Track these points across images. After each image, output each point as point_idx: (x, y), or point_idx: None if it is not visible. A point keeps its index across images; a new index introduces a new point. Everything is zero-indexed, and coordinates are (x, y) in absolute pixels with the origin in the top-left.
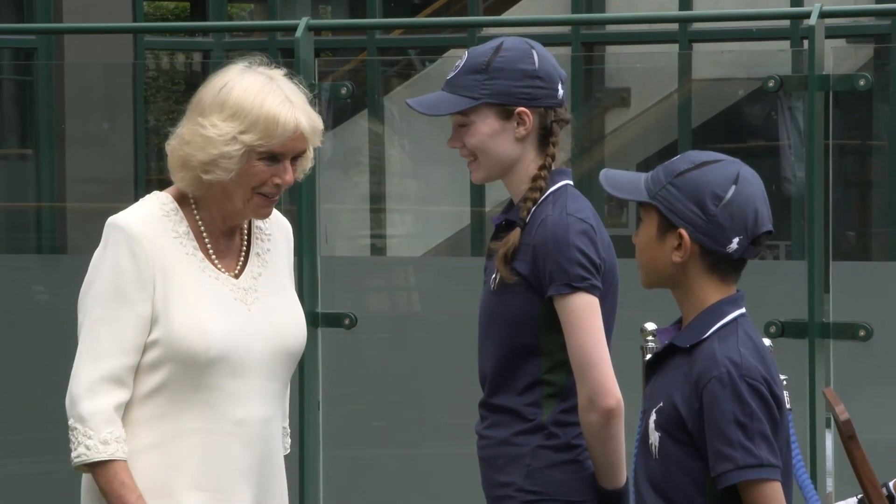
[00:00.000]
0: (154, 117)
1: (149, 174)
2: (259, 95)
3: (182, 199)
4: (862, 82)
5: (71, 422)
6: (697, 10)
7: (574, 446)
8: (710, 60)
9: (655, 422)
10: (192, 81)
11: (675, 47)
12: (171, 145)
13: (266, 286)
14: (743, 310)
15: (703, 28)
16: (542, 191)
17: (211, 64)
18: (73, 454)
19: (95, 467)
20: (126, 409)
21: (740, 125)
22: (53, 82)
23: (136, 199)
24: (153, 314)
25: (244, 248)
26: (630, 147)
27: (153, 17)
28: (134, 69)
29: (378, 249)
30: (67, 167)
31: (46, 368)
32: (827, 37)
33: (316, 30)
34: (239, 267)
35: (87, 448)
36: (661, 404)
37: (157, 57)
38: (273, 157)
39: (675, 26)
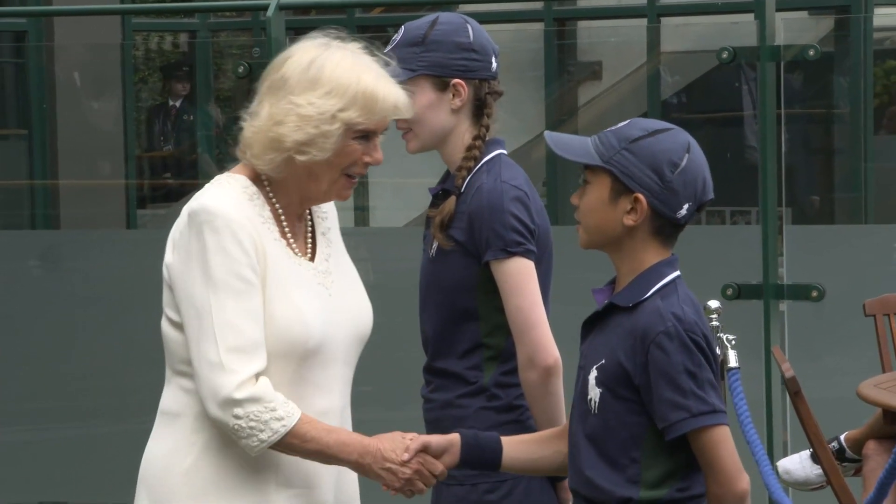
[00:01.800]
0: (149, 96)
1: (139, 151)
2: (353, 71)
3: (256, 181)
4: (812, 52)
5: (238, 411)
6: None
7: (516, 406)
8: (678, 34)
9: (597, 378)
10: (186, 62)
11: (644, 21)
12: (255, 126)
13: (337, 268)
14: (679, 272)
15: (670, 2)
16: (476, 160)
17: (197, 44)
18: (266, 435)
19: (292, 434)
20: None
21: (708, 96)
22: (44, 63)
23: (127, 177)
24: None
25: (310, 229)
26: (602, 118)
27: (147, 0)
28: (122, 49)
29: (362, 220)
30: (59, 145)
31: (43, 337)
32: (788, 9)
33: (287, 8)
34: (310, 250)
35: (281, 418)
36: (604, 361)
37: (147, 38)
38: (366, 136)
39: (643, 1)
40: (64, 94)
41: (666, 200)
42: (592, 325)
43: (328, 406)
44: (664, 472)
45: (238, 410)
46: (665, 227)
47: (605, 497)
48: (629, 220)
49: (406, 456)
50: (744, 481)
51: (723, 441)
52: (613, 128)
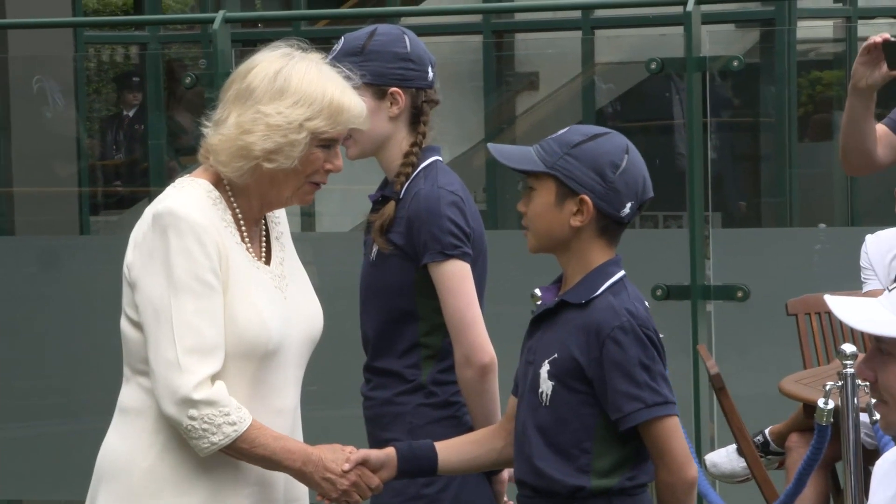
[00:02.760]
0: (102, 106)
1: (91, 160)
2: (319, 82)
3: (218, 186)
4: (736, 63)
5: (193, 412)
6: None
7: (452, 403)
8: (612, 45)
9: (549, 371)
10: (137, 73)
11: (579, 34)
12: (222, 135)
13: (290, 272)
14: (624, 272)
15: (603, 15)
16: (414, 166)
17: (148, 56)
18: (216, 437)
19: (244, 438)
20: None
21: (640, 105)
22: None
23: (80, 185)
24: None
25: (265, 233)
26: (540, 127)
27: (102, 13)
28: (75, 61)
29: (308, 225)
30: (13, 154)
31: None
32: (715, 22)
33: (233, 21)
34: (265, 253)
35: (234, 423)
36: (556, 355)
37: (99, 50)
38: (328, 144)
39: (578, 14)
40: (18, 104)
41: (610, 200)
42: (540, 321)
43: (283, 405)
44: (614, 462)
45: (193, 411)
46: (610, 227)
47: (556, 486)
48: (576, 222)
49: (346, 466)
50: (693, 469)
51: (674, 431)
52: (554, 135)
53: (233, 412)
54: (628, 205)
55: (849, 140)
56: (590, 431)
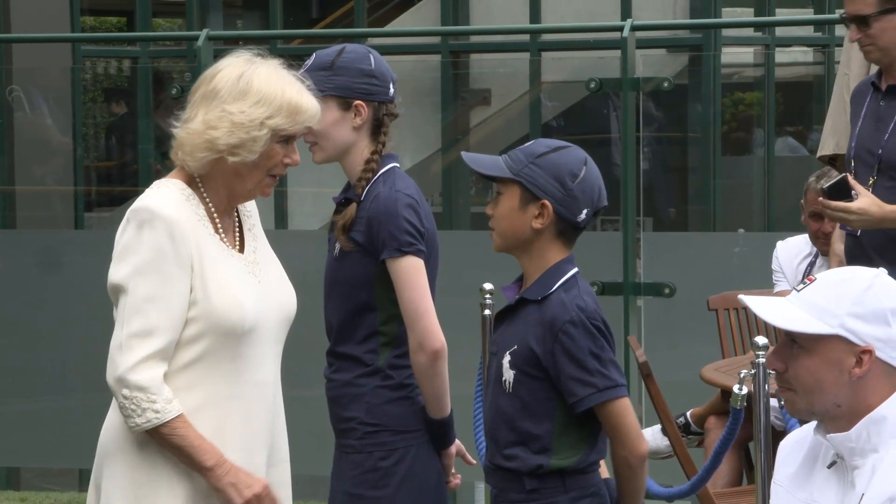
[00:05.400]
0: (98, 113)
1: (86, 162)
2: (279, 84)
3: (191, 184)
4: (666, 84)
5: (126, 392)
6: (545, 24)
7: (406, 385)
8: (557, 66)
9: (510, 362)
10: (128, 85)
11: (527, 55)
12: (189, 129)
13: (263, 259)
14: (577, 268)
15: (549, 39)
16: (374, 171)
17: (139, 69)
18: (139, 419)
19: (166, 427)
20: None
21: (582, 120)
22: (3, 84)
23: (76, 184)
24: (192, 292)
25: (237, 225)
26: (491, 138)
27: (99, 29)
28: (72, 73)
29: (282, 223)
30: (16, 155)
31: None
32: (648, 46)
33: (216, 39)
34: (238, 243)
35: (157, 411)
36: (516, 347)
37: (94, 63)
38: (286, 140)
39: (526, 38)
40: (20, 111)
41: (568, 206)
42: (503, 317)
43: (263, 378)
44: (572, 443)
45: (125, 391)
46: (567, 230)
47: (519, 465)
48: (537, 224)
49: (257, 488)
50: (644, 444)
51: (626, 410)
52: (521, 146)
53: (160, 401)
54: (584, 211)
55: None
56: (550, 414)
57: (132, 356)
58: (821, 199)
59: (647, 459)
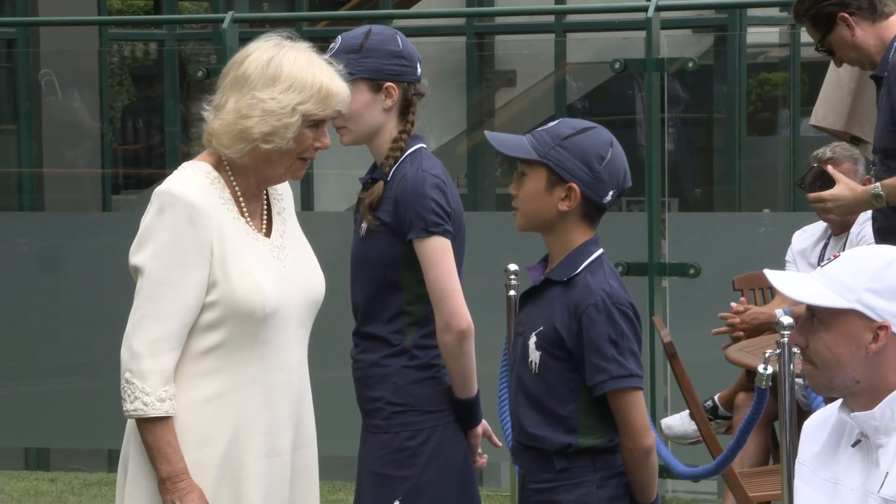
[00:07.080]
0: (125, 96)
1: (114, 144)
2: (309, 68)
3: (218, 167)
4: (691, 64)
5: (128, 375)
6: (569, 5)
7: (433, 365)
8: (582, 47)
9: (536, 343)
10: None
11: (552, 36)
12: (222, 119)
13: (290, 243)
14: (602, 249)
15: (574, 20)
16: (402, 151)
17: (165, 51)
18: (129, 405)
19: (146, 422)
20: (180, 365)
21: (606, 101)
22: (31, 67)
23: (103, 166)
24: (211, 277)
25: (266, 208)
26: (516, 120)
27: (125, 13)
28: (99, 56)
29: (308, 205)
30: (44, 138)
31: (31, 306)
32: (673, 27)
33: (241, 21)
34: (265, 227)
35: (145, 404)
36: (542, 328)
37: (121, 46)
38: (316, 124)
39: (551, 19)
40: (52, 94)
41: (595, 188)
42: (529, 297)
43: (288, 362)
44: (599, 423)
45: (128, 374)
46: (592, 212)
47: (547, 445)
48: (563, 206)
49: None
50: (649, 438)
51: (635, 402)
52: (545, 127)
53: (151, 397)
54: (610, 192)
55: None
56: (575, 395)
57: (143, 337)
58: (808, 194)
59: (651, 453)
